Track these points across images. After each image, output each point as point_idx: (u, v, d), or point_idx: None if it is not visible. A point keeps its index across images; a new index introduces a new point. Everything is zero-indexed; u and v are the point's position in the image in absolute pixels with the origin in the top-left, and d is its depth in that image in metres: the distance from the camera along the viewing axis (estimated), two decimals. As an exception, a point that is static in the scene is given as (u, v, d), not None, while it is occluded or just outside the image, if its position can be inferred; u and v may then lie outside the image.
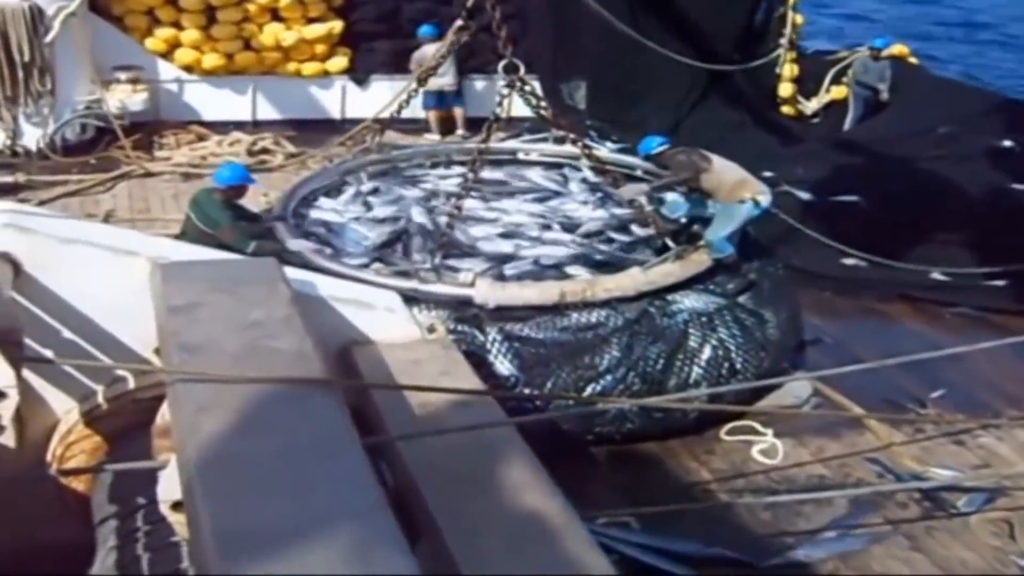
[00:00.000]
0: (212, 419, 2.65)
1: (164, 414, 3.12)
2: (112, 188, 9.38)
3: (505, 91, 6.39)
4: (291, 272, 3.80)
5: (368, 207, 6.78)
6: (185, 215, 6.52)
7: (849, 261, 7.98)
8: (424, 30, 10.85)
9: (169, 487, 2.79)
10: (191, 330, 3.12)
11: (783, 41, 12.30)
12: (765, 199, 6.26)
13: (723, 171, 6.38)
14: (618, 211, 6.75)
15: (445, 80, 10.67)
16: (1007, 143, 10.05)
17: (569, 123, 6.84)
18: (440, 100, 11.05)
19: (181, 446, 2.59)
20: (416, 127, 11.12)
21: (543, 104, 6.38)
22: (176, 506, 2.76)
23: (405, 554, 2.21)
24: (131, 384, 3.55)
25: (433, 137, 10.92)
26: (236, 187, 6.44)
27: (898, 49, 12.95)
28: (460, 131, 11.11)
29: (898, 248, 8.21)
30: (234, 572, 2.09)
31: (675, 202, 6.49)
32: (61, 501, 3.44)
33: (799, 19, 12.52)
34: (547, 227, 6.58)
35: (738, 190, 6.24)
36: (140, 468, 3.08)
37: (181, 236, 6.29)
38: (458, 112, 11.18)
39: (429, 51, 10.52)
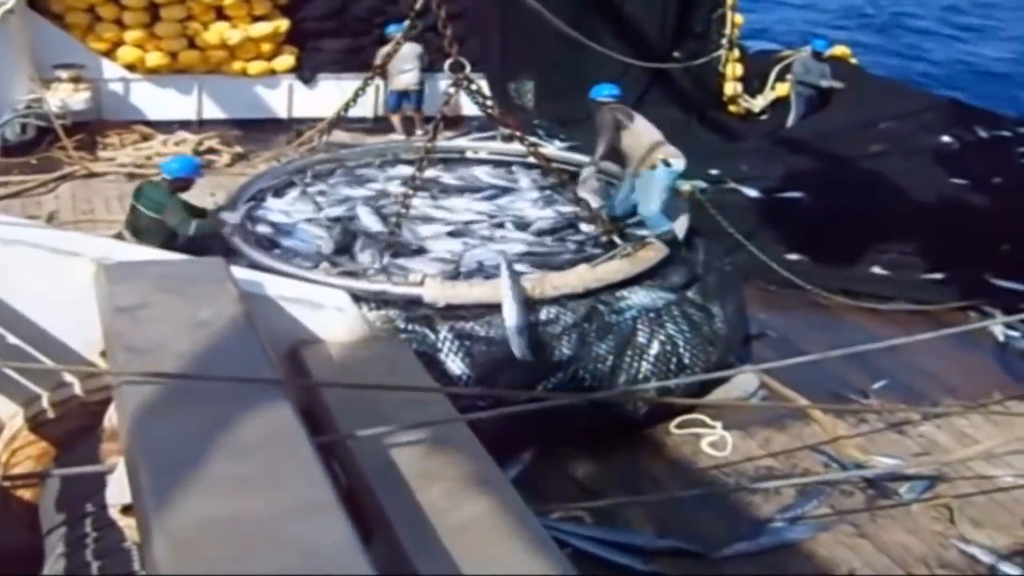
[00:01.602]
0: (160, 421, 2.63)
1: (111, 417, 3.08)
2: (55, 189, 9.20)
3: (451, 90, 6.41)
4: (239, 272, 3.77)
5: (317, 207, 6.75)
6: (130, 206, 6.48)
7: (793, 256, 8.11)
8: (391, 28, 10.58)
9: (118, 491, 2.76)
10: (137, 331, 3.08)
11: (724, 41, 12.48)
12: (677, 162, 6.38)
13: (642, 132, 6.57)
14: (566, 209, 6.80)
15: (410, 79, 10.58)
16: (946, 139, 10.34)
17: (516, 122, 6.86)
18: (404, 100, 10.86)
19: (129, 449, 2.57)
20: (363, 126, 11.08)
21: (490, 103, 6.39)
22: (126, 510, 2.73)
23: (358, 551, 2.22)
24: (77, 388, 3.49)
25: (398, 138, 10.62)
26: (183, 179, 6.43)
27: (839, 51, 13.22)
28: (419, 131, 11.03)
29: (840, 243, 8.39)
30: (186, 574, 2.08)
31: (622, 200, 6.62)
32: (7, 509, 3.38)
33: (739, 19, 12.72)
34: (497, 225, 6.61)
35: (651, 154, 6.37)
36: (88, 473, 3.04)
37: (126, 227, 6.35)
38: (417, 114, 10.86)
39: (400, 50, 10.41)
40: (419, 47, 10.39)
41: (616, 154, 6.74)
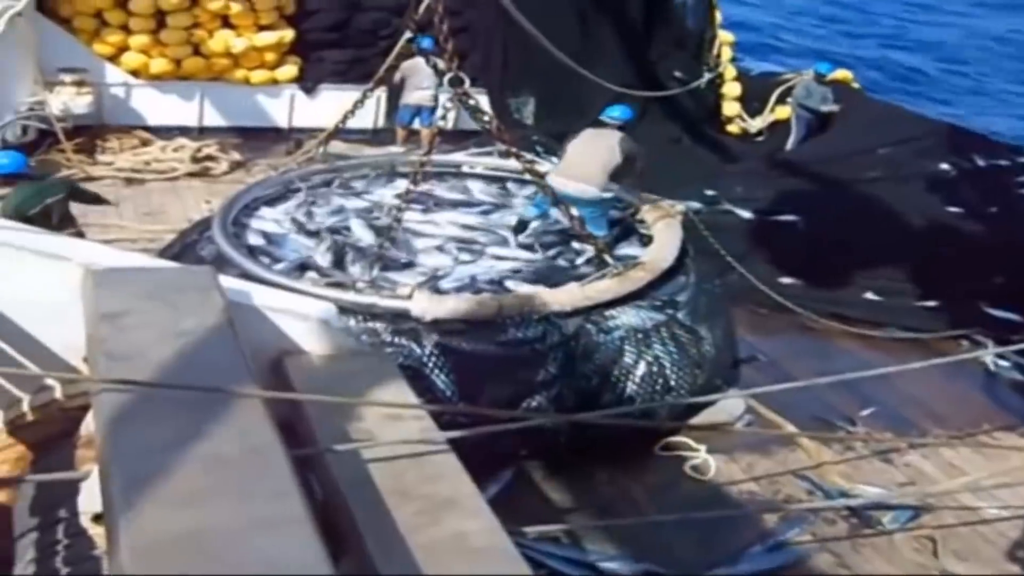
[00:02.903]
0: (136, 429, 2.62)
1: (89, 424, 3.08)
2: (52, 193, 9.21)
3: (449, 104, 6.44)
4: (227, 281, 3.77)
5: (309, 217, 6.77)
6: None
7: (786, 279, 8.12)
8: (425, 43, 10.54)
9: (90, 498, 2.76)
10: (119, 338, 3.08)
11: (722, 60, 12.55)
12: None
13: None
14: (559, 226, 6.82)
15: (426, 95, 10.57)
16: (943, 166, 10.37)
17: (513, 138, 6.90)
18: (416, 116, 10.83)
19: (103, 456, 2.57)
20: (363, 137, 11.11)
21: (487, 118, 6.43)
22: (97, 518, 2.72)
23: (324, 567, 2.21)
24: (58, 393, 3.47)
25: (397, 150, 10.66)
26: (15, 175, 6.59)
27: (841, 74, 13.29)
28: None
29: (834, 268, 8.40)
30: (150, 585, 2.08)
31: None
32: (-19, 512, 3.37)
33: (729, 37, 12.79)
34: (488, 241, 6.63)
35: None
36: (62, 479, 3.03)
37: None
38: (426, 131, 10.51)
39: (421, 63, 10.38)
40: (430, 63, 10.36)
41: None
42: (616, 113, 7.42)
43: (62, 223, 6.30)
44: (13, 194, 6.49)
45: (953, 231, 8.95)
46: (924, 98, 19.66)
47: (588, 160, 6.93)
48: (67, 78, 10.24)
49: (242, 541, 2.24)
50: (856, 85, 13.49)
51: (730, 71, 12.82)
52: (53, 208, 6.36)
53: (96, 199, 6.86)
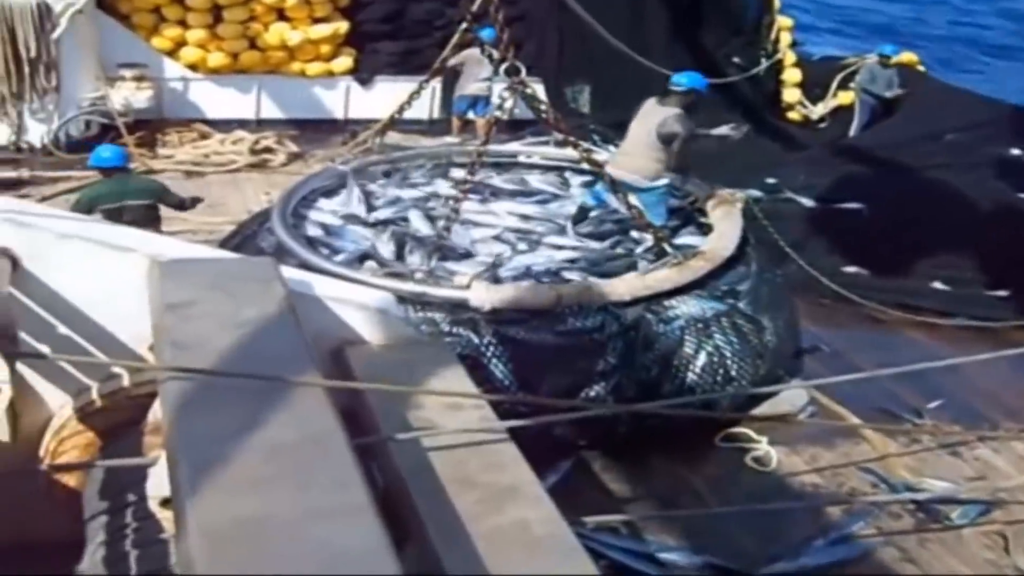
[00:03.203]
0: (201, 416, 2.66)
1: (156, 411, 3.13)
2: (115, 185, 9.39)
3: (506, 94, 6.41)
4: (287, 271, 3.81)
5: (368, 208, 6.80)
6: (118, 212, 6.57)
7: (850, 269, 7.96)
8: (484, 32, 10.52)
9: (158, 484, 2.81)
10: (184, 328, 3.13)
11: (780, 46, 12.33)
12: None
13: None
14: (621, 220, 6.75)
15: (483, 86, 10.54)
16: (1015, 152, 10.07)
17: (569, 127, 6.84)
18: (472, 106, 10.85)
19: (170, 443, 2.60)
20: (419, 128, 11.15)
21: (544, 107, 6.38)
22: (165, 503, 2.77)
23: (388, 555, 2.22)
24: (125, 381, 3.55)
25: (453, 140, 10.62)
26: (111, 168, 6.71)
27: (907, 57, 12.96)
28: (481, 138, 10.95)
29: (900, 256, 8.21)
30: (217, 571, 2.10)
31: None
32: (52, 496, 3.45)
33: (787, 22, 12.54)
34: (547, 231, 6.60)
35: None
36: (131, 464, 3.09)
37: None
38: (481, 121, 10.63)
39: (477, 53, 10.38)
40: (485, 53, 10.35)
41: None
42: (683, 80, 7.11)
43: (134, 225, 6.38)
44: (95, 187, 6.68)
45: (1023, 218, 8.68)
46: (993, 81, 19.10)
47: (634, 146, 6.87)
48: (127, 73, 10.43)
49: (305, 528, 2.26)
50: (922, 68, 13.17)
51: (789, 56, 12.58)
52: (127, 210, 6.49)
53: (182, 205, 6.96)
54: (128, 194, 6.57)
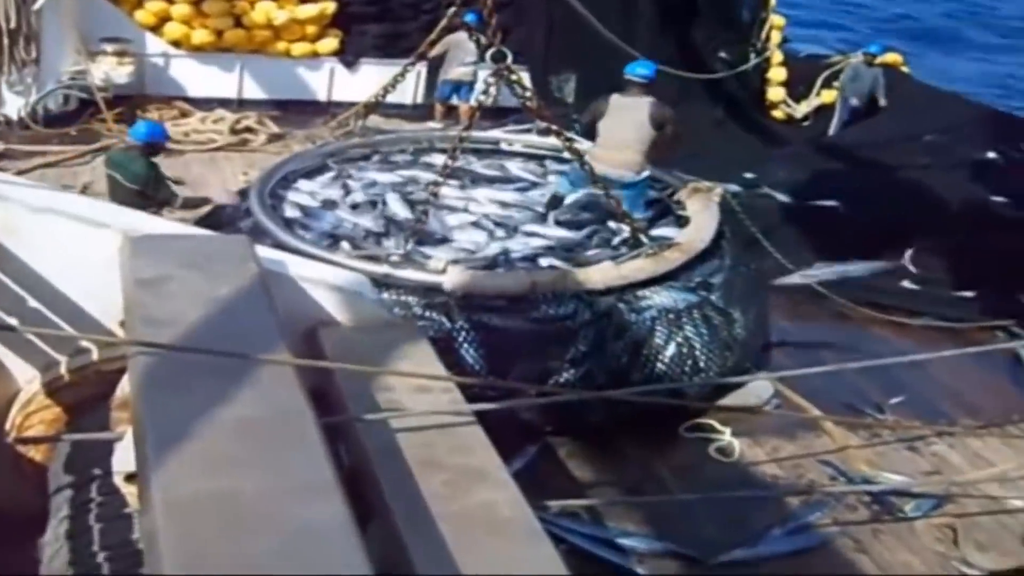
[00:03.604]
0: (170, 393, 2.69)
1: (124, 386, 3.15)
2: (91, 161, 9.29)
3: (491, 80, 6.42)
4: (262, 251, 3.82)
5: (346, 191, 6.81)
6: (109, 181, 6.68)
7: (821, 264, 8.04)
8: (470, 17, 10.23)
9: (124, 459, 2.83)
10: (156, 304, 3.15)
11: (769, 44, 12.38)
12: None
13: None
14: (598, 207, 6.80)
15: (467, 71, 10.56)
16: (991, 155, 10.19)
17: (552, 115, 6.87)
18: (455, 91, 10.86)
19: (137, 418, 2.63)
20: (402, 112, 11.14)
21: (528, 94, 6.41)
22: (130, 478, 2.80)
23: (352, 533, 2.26)
24: (95, 356, 3.56)
25: (435, 126, 10.64)
26: (153, 143, 6.68)
27: (892, 57, 13.06)
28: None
29: (872, 255, 8.31)
30: (181, 545, 2.14)
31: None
32: (19, 470, 3.46)
33: (780, 21, 12.61)
34: (524, 219, 6.64)
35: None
36: (97, 439, 3.11)
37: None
38: (464, 106, 10.63)
39: (462, 38, 10.40)
40: (472, 38, 10.40)
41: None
42: (642, 71, 7.19)
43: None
44: (120, 151, 6.69)
45: (996, 221, 8.81)
46: (977, 84, 19.25)
47: (623, 141, 6.89)
48: (109, 48, 10.36)
49: (271, 504, 2.30)
50: (906, 69, 13.27)
51: (777, 55, 12.63)
52: (118, 185, 6.55)
53: (165, 203, 6.86)
54: (124, 171, 6.53)
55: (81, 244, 3.62)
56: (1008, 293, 7.89)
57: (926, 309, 7.75)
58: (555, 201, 6.82)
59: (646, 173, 6.94)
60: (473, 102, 9.56)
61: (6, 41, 9.41)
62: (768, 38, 12.48)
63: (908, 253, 8.27)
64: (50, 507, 3.05)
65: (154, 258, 3.44)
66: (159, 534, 2.19)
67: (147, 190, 6.44)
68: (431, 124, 10.68)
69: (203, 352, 2.79)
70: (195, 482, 2.35)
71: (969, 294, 7.94)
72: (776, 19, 12.60)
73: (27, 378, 3.60)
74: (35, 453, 3.43)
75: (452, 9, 7.46)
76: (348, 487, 2.48)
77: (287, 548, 2.18)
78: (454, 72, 10.64)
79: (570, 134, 6.82)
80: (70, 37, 9.97)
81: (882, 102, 11.79)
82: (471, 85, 10.70)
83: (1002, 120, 11.45)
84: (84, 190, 8.36)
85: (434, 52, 10.39)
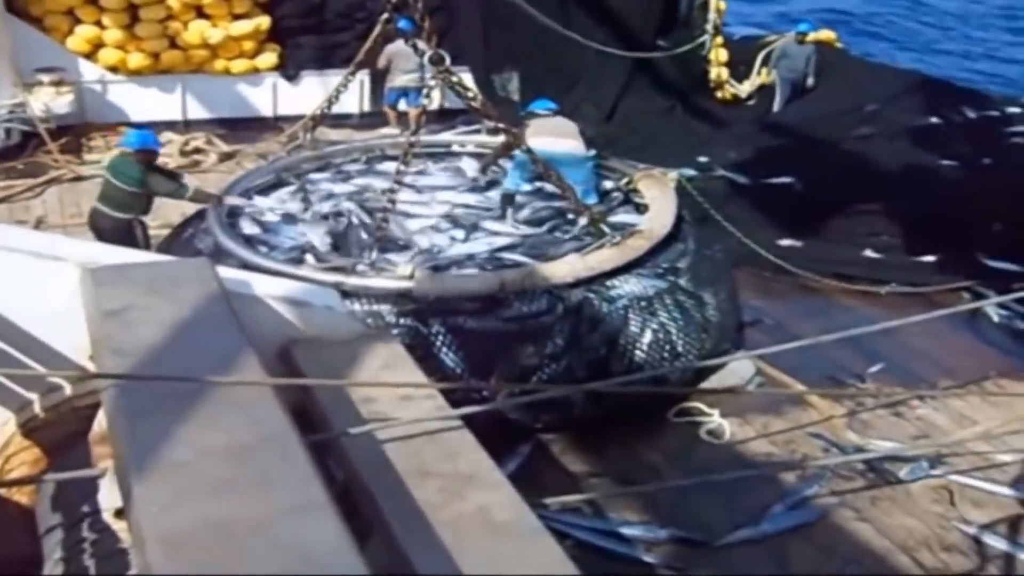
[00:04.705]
0: (149, 424, 2.58)
1: (101, 421, 3.04)
2: (42, 194, 9.14)
3: (432, 83, 6.36)
4: (226, 272, 3.72)
5: (304, 204, 6.71)
6: (104, 183, 6.85)
7: (784, 241, 8.09)
8: (403, 24, 10.11)
9: (110, 494, 2.73)
10: (124, 334, 3.04)
11: (708, 27, 12.45)
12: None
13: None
14: (555, 203, 6.76)
15: (412, 77, 10.50)
16: (934, 120, 10.32)
17: (498, 113, 6.82)
18: (403, 97, 10.81)
19: (118, 452, 2.53)
20: (351, 122, 11.05)
21: (471, 94, 6.35)
22: (119, 513, 2.70)
23: (350, 550, 2.18)
24: (68, 392, 3.45)
25: (392, 132, 10.52)
26: (148, 150, 6.79)
27: (824, 35, 13.20)
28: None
29: (832, 227, 8.38)
30: (178, 576, 2.05)
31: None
32: (4, 512, 3.34)
33: (722, 5, 12.69)
34: (484, 218, 6.58)
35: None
36: (80, 477, 3.00)
37: (104, 202, 6.73)
38: (413, 111, 10.53)
39: (403, 46, 10.34)
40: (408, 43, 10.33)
41: None
42: (549, 105, 7.36)
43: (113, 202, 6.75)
44: (138, 167, 6.70)
45: (948, 184, 8.91)
46: (911, 52, 19.53)
47: (561, 123, 6.95)
48: (45, 78, 10.12)
49: (267, 529, 2.22)
50: (839, 45, 13.41)
51: (717, 38, 12.71)
52: (112, 187, 6.74)
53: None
54: (118, 174, 6.71)
55: (39, 279, 3.50)
56: (967, 254, 8.00)
57: (890, 276, 7.84)
58: (508, 199, 6.75)
59: (593, 152, 6.92)
60: (419, 107, 9.55)
61: (-61, 79, 9.16)
62: (709, 20, 12.53)
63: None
64: (43, 549, 2.94)
65: (116, 288, 3.33)
66: (154, 567, 2.10)
67: (140, 190, 6.65)
68: (385, 131, 10.59)
69: (178, 380, 2.69)
70: (185, 511, 2.27)
71: (930, 258, 8.03)
72: (719, 3, 12.66)
73: (2, 420, 3.47)
74: (20, 496, 3.30)
75: (384, 16, 7.36)
76: (342, 503, 2.41)
77: (288, 571, 2.10)
78: (399, 80, 10.59)
79: (516, 130, 6.77)
80: (4, 70, 9.73)
81: (810, 81, 11.91)
82: (418, 91, 10.63)
83: (940, 87, 11.61)
84: (38, 224, 8.18)
85: (380, 64, 10.33)
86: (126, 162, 6.74)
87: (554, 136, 6.75)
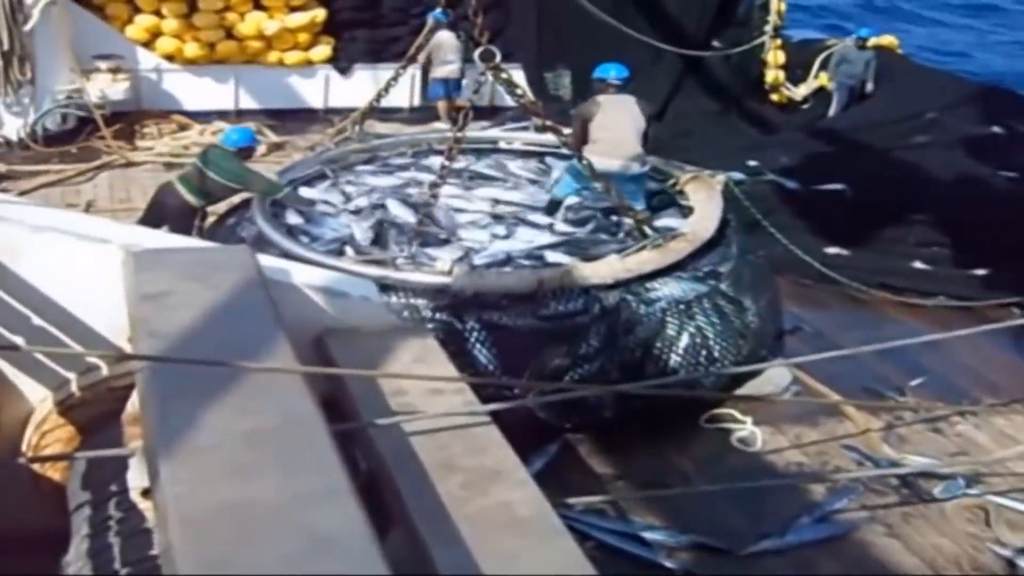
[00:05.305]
0: (180, 406, 2.63)
1: (134, 402, 3.11)
2: (93, 178, 9.34)
3: (482, 79, 6.37)
4: (265, 260, 3.77)
5: (347, 197, 6.77)
6: (192, 168, 6.91)
7: (831, 249, 7.98)
8: (438, 15, 10.26)
9: (139, 474, 2.78)
10: (162, 318, 3.10)
11: (767, 28, 12.31)
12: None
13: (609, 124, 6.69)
14: (600, 203, 6.73)
15: (452, 68, 10.58)
16: (995, 129, 10.08)
17: (548, 111, 6.81)
18: (446, 88, 10.90)
19: (148, 433, 2.58)
20: (400, 116, 11.13)
21: (520, 91, 6.35)
22: (146, 493, 2.75)
23: (368, 538, 2.21)
24: (105, 372, 3.52)
25: (442, 126, 10.59)
26: (246, 148, 6.93)
27: (886, 40, 12.99)
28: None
29: (881, 237, 8.24)
30: (197, 558, 2.08)
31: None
32: (37, 489, 3.42)
33: (782, 6, 12.54)
34: (526, 215, 6.58)
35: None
36: (111, 456, 3.07)
37: (184, 184, 6.79)
38: (460, 101, 10.53)
39: (444, 37, 10.46)
40: (460, 38, 10.44)
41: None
42: (616, 72, 7.12)
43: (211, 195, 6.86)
44: (237, 162, 6.82)
45: (1004, 196, 8.71)
46: (974, 62, 19.11)
47: (622, 135, 6.81)
48: (103, 65, 10.34)
49: (287, 514, 2.24)
50: (900, 51, 13.19)
51: (776, 39, 12.56)
52: (207, 179, 6.79)
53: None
54: (218, 168, 6.76)
55: (84, 261, 3.58)
56: (1020, 269, 7.81)
57: (938, 289, 7.69)
58: (553, 206, 6.73)
59: (648, 165, 6.87)
60: (464, 101, 9.59)
61: (1, 63, 9.39)
62: (768, 21, 12.39)
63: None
64: (71, 526, 3.01)
65: (157, 272, 3.39)
66: (175, 547, 2.15)
67: (240, 186, 6.73)
68: (437, 125, 10.66)
69: (212, 364, 2.74)
70: (208, 493, 2.30)
71: (981, 272, 7.86)
72: (779, 4, 12.51)
73: (39, 397, 3.56)
74: (53, 472, 3.38)
75: (436, 10, 7.40)
76: (366, 493, 2.43)
77: (304, 555, 2.13)
78: (440, 71, 10.69)
79: (567, 130, 6.75)
80: (64, 56, 9.95)
81: (868, 87, 11.72)
82: (458, 82, 10.74)
83: (1003, 96, 11.34)
84: (88, 208, 8.35)
85: (422, 56, 10.42)
86: (226, 156, 6.79)
87: (610, 155, 6.63)
